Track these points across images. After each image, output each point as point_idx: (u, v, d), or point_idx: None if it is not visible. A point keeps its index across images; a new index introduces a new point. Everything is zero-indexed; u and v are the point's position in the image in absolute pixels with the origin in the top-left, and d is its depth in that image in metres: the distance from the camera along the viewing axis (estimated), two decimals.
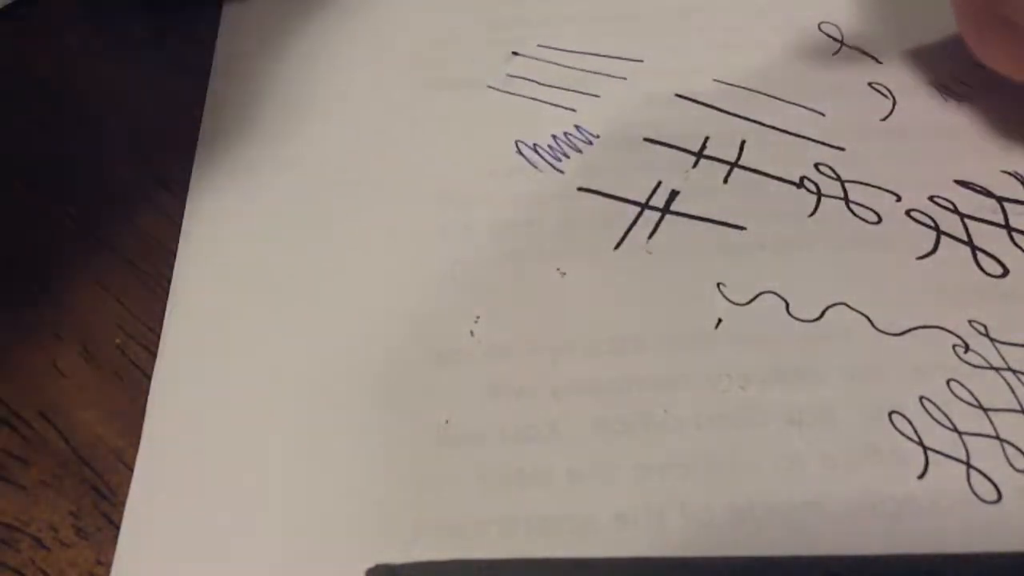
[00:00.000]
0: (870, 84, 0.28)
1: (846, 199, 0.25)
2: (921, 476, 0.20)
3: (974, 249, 0.23)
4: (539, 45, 0.30)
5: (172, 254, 0.24)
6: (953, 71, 0.27)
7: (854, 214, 0.24)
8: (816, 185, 0.25)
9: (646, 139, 0.27)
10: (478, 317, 0.23)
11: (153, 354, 0.22)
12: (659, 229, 0.24)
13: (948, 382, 0.21)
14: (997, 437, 0.20)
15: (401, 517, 0.20)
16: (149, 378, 0.22)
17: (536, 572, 0.19)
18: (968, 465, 0.20)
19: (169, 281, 0.24)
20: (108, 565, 0.19)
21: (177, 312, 0.23)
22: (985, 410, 0.21)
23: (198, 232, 0.25)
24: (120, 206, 0.26)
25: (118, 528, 0.20)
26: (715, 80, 0.28)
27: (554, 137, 0.27)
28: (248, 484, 0.20)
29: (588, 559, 0.19)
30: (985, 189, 0.25)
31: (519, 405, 0.21)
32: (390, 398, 0.22)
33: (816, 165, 0.25)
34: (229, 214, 0.25)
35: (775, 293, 0.23)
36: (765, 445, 0.21)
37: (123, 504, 0.20)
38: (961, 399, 0.21)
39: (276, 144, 0.27)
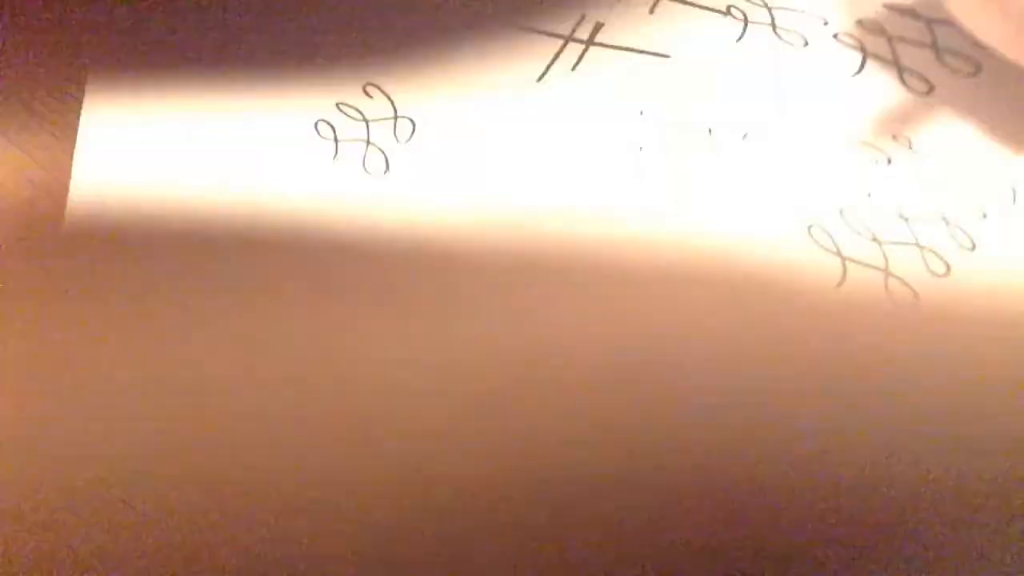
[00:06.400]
0: None
1: (773, 25, 0.24)
2: (839, 284, 0.20)
3: (900, 69, 0.23)
4: None
5: (78, 103, 0.23)
6: None
7: (781, 39, 0.24)
8: (743, 12, 0.24)
9: None
10: (396, 154, 0.22)
11: None
12: (583, 61, 0.24)
13: (869, 195, 0.21)
14: (917, 244, 0.20)
15: None
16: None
17: None
18: (886, 272, 0.20)
19: (76, 131, 0.23)
20: None
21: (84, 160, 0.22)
22: (906, 219, 0.21)
23: (103, 81, 0.24)
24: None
25: None
26: None
27: None
28: None
29: None
30: (912, 11, 0.24)
31: (438, 237, 0.21)
32: (306, 229, 0.21)
33: None
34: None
35: (699, 116, 0.22)
36: (683, 263, 0.20)
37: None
38: (882, 209, 0.21)
39: None
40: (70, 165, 0.22)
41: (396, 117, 0.23)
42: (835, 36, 0.24)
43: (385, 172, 0.22)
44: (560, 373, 0.19)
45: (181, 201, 0.22)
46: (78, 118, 0.23)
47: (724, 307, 0.20)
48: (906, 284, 0.20)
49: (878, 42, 0.23)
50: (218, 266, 0.21)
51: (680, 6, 0.25)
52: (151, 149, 0.23)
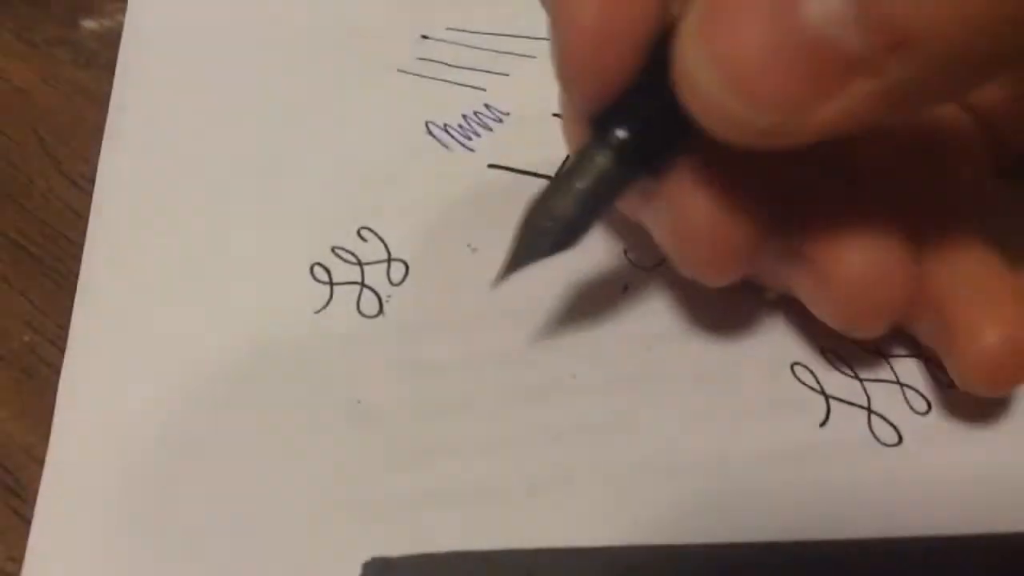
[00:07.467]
0: None
1: None
2: (823, 424, 0.20)
3: None
4: (448, 28, 0.30)
5: (79, 249, 0.24)
6: None
7: None
8: None
9: (555, 114, 0.27)
10: (389, 296, 0.23)
11: (62, 350, 0.22)
12: None
13: None
14: (897, 382, 0.21)
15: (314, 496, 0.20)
16: (58, 374, 0.22)
17: (535, 561, 0.19)
18: (869, 410, 0.21)
19: (77, 276, 0.23)
20: (20, 561, 0.19)
21: (85, 307, 0.23)
22: (886, 357, 0.21)
23: (105, 227, 0.25)
24: (26, 202, 0.25)
25: (29, 523, 0.20)
26: None
27: (464, 117, 0.27)
28: (160, 475, 0.20)
29: (587, 548, 0.19)
30: None
31: (430, 381, 0.22)
32: (301, 378, 0.22)
33: None
34: (136, 207, 0.25)
35: None
36: (672, 402, 0.21)
37: (34, 500, 0.20)
38: (862, 347, 0.21)
39: (186, 135, 0.27)
40: None
41: (390, 260, 0.24)
42: None
43: (379, 314, 0.23)
44: None
45: (177, 341, 0.22)
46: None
47: None
48: (889, 423, 0.20)
49: None
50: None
51: None
52: (157, 294, 0.23)
